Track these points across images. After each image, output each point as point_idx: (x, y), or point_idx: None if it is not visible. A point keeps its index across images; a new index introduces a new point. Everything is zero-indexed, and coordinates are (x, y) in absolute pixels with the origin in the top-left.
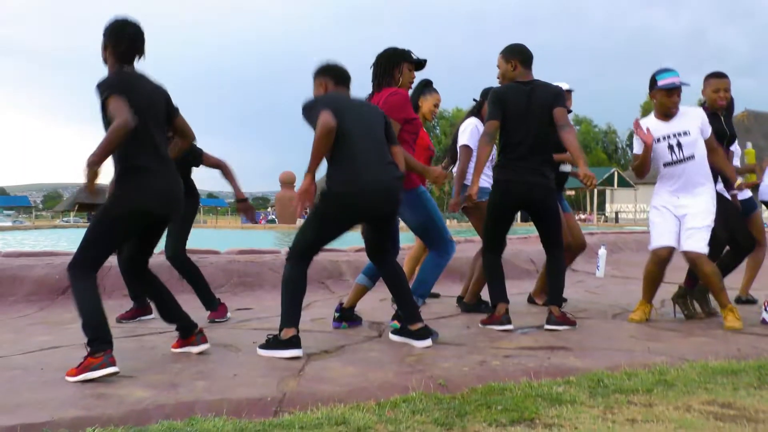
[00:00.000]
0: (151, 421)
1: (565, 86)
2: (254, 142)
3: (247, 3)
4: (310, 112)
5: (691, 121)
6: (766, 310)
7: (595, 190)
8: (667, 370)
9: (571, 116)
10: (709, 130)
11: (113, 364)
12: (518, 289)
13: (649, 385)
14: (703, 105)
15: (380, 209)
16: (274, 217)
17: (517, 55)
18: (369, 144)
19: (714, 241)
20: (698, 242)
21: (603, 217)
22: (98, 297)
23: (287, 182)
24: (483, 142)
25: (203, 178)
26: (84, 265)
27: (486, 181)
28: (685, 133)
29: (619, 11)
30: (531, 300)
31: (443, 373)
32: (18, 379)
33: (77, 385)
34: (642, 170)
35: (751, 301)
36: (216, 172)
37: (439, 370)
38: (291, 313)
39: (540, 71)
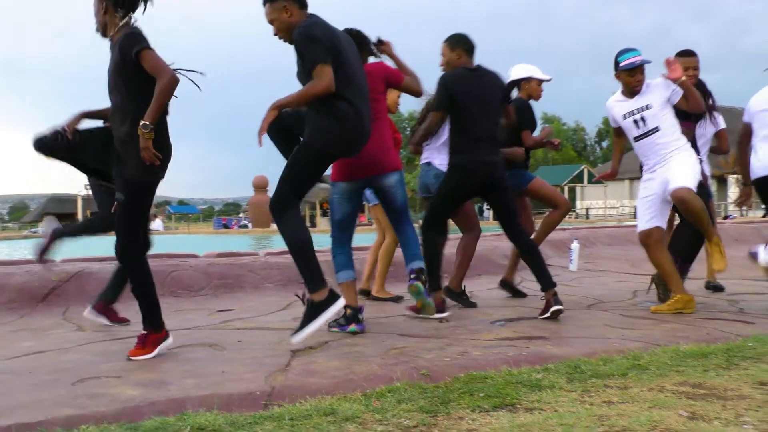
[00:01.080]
0: (144, 418)
1: (540, 74)
2: (223, 147)
3: (218, 4)
4: (312, 47)
5: (653, 94)
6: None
7: (566, 188)
8: (640, 355)
9: (539, 113)
10: (678, 95)
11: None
12: (495, 284)
13: (624, 369)
14: None
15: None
16: (246, 222)
17: (462, 44)
18: (363, 91)
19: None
20: (682, 178)
21: (574, 213)
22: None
23: (260, 186)
24: (425, 134)
25: (173, 185)
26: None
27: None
28: (647, 107)
29: (585, 10)
30: (504, 285)
31: (426, 363)
32: (8, 382)
33: (68, 385)
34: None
35: (719, 288)
36: (187, 181)
37: (422, 361)
38: (313, 274)
39: (505, 71)
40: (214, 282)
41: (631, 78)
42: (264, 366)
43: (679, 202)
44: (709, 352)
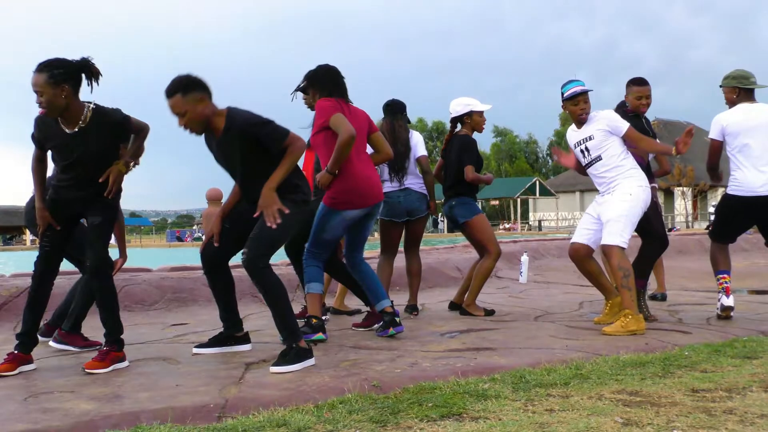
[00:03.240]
0: None
1: (479, 106)
2: (176, 159)
3: (160, 15)
4: (269, 123)
5: (596, 125)
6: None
7: (519, 200)
8: (582, 365)
9: (490, 128)
10: (621, 128)
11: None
12: (446, 297)
13: (567, 378)
14: (624, 106)
15: None
16: (200, 234)
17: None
18: None
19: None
20: (608, 235)
21: (527, 225)
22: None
23: (214, 199)
24: None
25: (124, 197)
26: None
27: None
28: (589, 138)
29: (535, 23)
30: (453, 306)
31: (377, 375)
32: None
33: (21, 401)
34: (583, 175)
35: (663, 299)
36: (139, 192)
37: (373, 372)
38: (296, 322)
39: (458, 85)
40: (167, 296)
41: (575, 107)
42: (218, 379)
43: (607, 257)
44: (647, 361)
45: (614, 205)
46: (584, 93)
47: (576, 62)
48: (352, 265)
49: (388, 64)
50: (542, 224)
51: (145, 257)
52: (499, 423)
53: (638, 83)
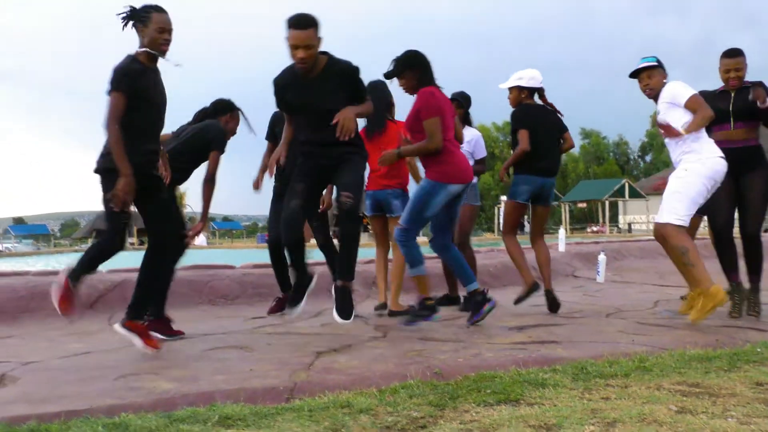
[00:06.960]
0: (177, 408)
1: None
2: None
3: (262, 31)
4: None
5: (661, 98)
6: None
7: (607, 202)
8: (646, 358)
9: (577, 130)
10: (681, 98)
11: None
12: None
13: (628, 370)
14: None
15: None
16: None
17: None
18: None
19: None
20: (660, 213)
21: (616, 228)
22: None
23: None
24: None
25: (218, 202)
26: None
27: None
28: (657, 112)
29: (628, 21)
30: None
31: (439, 363)
32: (57, 378)
33: (111, 380)
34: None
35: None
36: (232, 197)
37: (436, 361)
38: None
39: (547, 83)
40: (249, 291)
41: (640, 83)
42: (289, 365)
43: (659, 238)
44: (714, 356)
45: (669, 184)
46: (646, 69)
47: (673, 60)
48: (442, 248)
49: (479, 67)
50: (632, 227)
51: (233, 256)
52: (553, 408)
53: (727, 55)
